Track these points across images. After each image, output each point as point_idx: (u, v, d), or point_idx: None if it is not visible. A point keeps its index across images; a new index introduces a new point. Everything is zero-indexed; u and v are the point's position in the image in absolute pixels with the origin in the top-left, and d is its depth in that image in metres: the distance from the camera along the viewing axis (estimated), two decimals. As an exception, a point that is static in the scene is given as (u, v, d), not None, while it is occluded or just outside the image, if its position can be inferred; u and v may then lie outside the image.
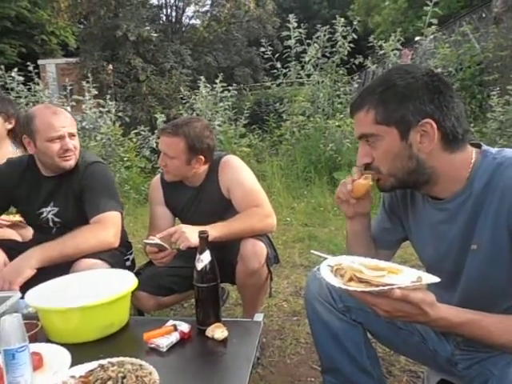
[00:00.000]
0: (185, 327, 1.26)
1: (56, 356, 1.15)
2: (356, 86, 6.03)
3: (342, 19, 5.87)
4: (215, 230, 1.53)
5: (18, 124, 2.26)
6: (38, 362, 1.09)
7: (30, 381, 0.93)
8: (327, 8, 20.88)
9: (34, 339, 1.19)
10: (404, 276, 0.92)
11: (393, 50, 5.67)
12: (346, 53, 5.85)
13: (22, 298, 1.35)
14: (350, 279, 0.91)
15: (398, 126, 1.01)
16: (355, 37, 5.82)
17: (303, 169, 5.42)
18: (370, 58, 6.03)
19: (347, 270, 0.93)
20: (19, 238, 2.17)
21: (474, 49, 5.91)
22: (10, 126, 2.30)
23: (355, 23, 5.86)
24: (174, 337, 1.23)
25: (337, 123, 5.47)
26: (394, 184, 1.09)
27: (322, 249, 3.27)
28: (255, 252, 1.65)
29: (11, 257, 1.59)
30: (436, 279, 0.90)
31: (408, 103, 0.99)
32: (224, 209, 1.79)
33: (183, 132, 1.72)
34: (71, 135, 1.77)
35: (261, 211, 1.72)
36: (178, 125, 1.75)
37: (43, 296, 1.34)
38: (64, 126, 1.74)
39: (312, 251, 1.16)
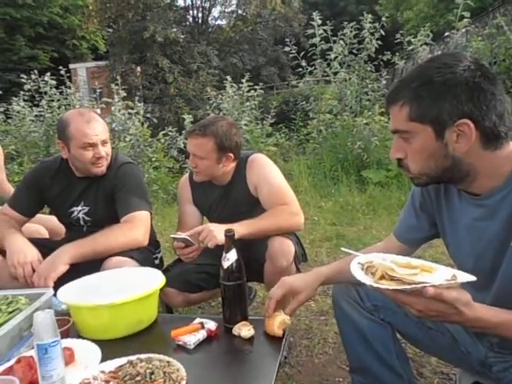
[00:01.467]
0: (212, 325, 1.27)
1: (87, 351, 1.18)
2: (384, 82, 5.89)
3: (370, 15, 5.75)
4: (242, 228, 1.53)
5: None
6: (69, 357, 1.12)
7: (62, 375, 0.95)
8: (354, 4, 20.50)
9: (65, 335, 1.22)
10: (438, 274, 0.89)
11: (422, 45, 5.52)
12: (374, 49, 5.73)
13: (55, 294, 1.39)
14: (382, 277, 0.89)
15: (433, 125, 0.97)
16: (383, 33, 5.70)
17: (330, 167, 5.36)
18: (398, 54, 5.88)
19: (378, 267, 0.91)
20: (45, 233, 2.24)
21: (509, 41, 5.68)
22: None
23: (383, 19, 5.74)
24: (201, 334, 1.24)
25: (365, 121, 5.36)
26: (427, 181, 1.06)
27: (351, 248, 3.21)
28: (283, 250, 1.64)
29: (45, 254, 1.64)
30: (472, 278, 0.87)
31: (444, 101, 0.94)
32: (251, 207, 1.79)
33: (211, 132, 1.73)
34: (104, 142, 1.80)
35: (289, 209, 1.71)
36: (205, 125, 1.76)
37: (74, 293, 1.38)
38: (97, 134, 1.78)
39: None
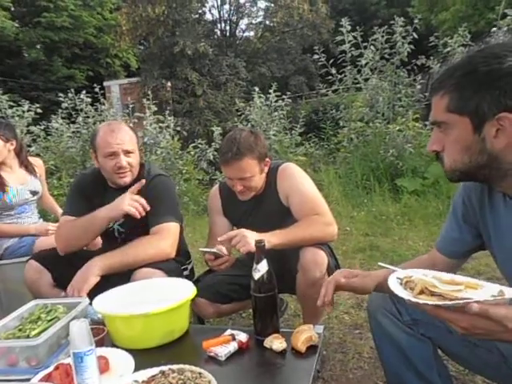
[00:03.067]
0: (243, 337, 1.26)
1: (121, 360, 1.19)
2: (419, 87, 5.73)
3: (402, 18, 5.62)
4: (274, 238, 1.52)
5: (18, 145, 2.52)
6: (104, 366, 1.14)
7: (97, 383, 0.96)
8: (385, 8, 20.14)
9: (100, 344, 1.24)
10: (484, 291, 0.84)
11: (459, 47, 5.32)
12: (406, 54, 5.57)
13: (91, 304, 1.42)
14: (421, 292, 0.85)
15: (472, 117, 0.92)
16: (416, 36, 5.55)
17: (362, 176, 5.26)
18: (432, 57, 5.71)
19: (418, 282, 0.88)
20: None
21: (556, 39, 5.42)
22: (11, 147, 2.49)
23: (416, 21, 5.60)
24: (232, 346, 1.23)
25: (398, 128, 5.24)
26: (460, 177, 1.01)
27: (386, 259, 3.14)
28: (316, 261, 1.61)
29: (83, 264, 1.67)
30: None
31: (486, 93, 0.89)
32: (283, 217, 1.77)
33: (245, 149, 1.70)
34: (127, 152, 1.82)
35: (322, 219, 1.68)
36: (234, 148, 1.70)
37: (109, 302, 1.40)
38: (119, 143, 1.80)
39: (380, 263, 1.10)
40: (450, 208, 1.24)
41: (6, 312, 1.44)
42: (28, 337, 1.26)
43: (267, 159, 1.80)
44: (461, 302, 0.79)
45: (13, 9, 20.52)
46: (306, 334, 1.23)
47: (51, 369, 1.12)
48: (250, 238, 1.50)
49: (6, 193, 2.43)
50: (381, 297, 1.24)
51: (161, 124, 6.23)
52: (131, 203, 1.67)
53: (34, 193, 2.56)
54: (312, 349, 1.22)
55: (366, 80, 5.81)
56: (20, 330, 1.31)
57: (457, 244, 1.21)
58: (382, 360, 1.30)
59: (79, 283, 1.58)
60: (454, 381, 1.51)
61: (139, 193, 1.87)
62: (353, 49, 5.79)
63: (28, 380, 1.12)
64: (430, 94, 1.02)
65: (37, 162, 2.73)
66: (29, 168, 2.62)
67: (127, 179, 1.85)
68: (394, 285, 0.92)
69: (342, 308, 2.41)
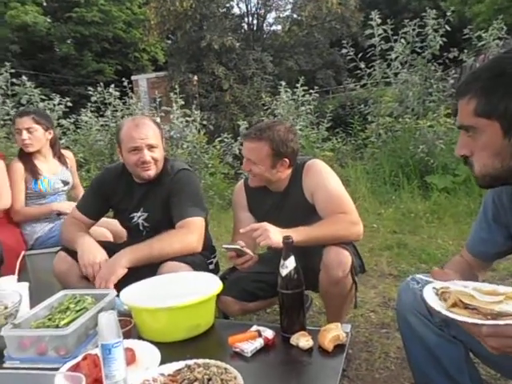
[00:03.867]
0: (269, 333, 1.24)
1: (147, 353, 1.19)
2: (452, 81, 5.54)
3: (434, 11, 5.45)
4: (298, 234, 1.48)
5: (54, 136, 2.61)
6: (131, 358, 1.14)
7: (124, 375, 0.97)
8: (416, 0, 19.61)
9: (127, 336, 1.25)
10: None
11: (494, 40, 5.12)
12: (438, 47, 5.40)
13: (118, 295, 1.44)
14: (454, 304, 0.82)
15: (501, 121, 0.89)
16: (448, 29, 5.37)
17: (390, 173, 5.15)
18: (465, 50, 5.52)
19: (452, 294, 0.84)
20: (110, 236, 2.34)
21: None
22: (49, 136, 2.57)
23: (449, 14, 5.42)
24: (259, 342, 1.21)
25: (429, 123, 5.09)
26: (490, 182, 0.98)
27: (414, 258, 3.08)
28: (339, 261, 1.58)
29: (109, 256, 1.70)
30: None
31: None
32: (308, 215, 1.73)
33: (267, 136, 1.69)
34: (150, 147, 1.82)
35: (348, 218, 1.64)
36: (261, 129, 1.72)
37: (136, 295, 1.41)
38: (143, 138, 1.80)
39: (417, 275, 1.05)
40: (481, 207, 1.20)
41: (35, 301, 1.47)
42: (57, 326, 1.28)
43: (286, 160, 1.74)
44: (491, 322, 0.76)
45: (45, 4, 21.06)
46: (333, 333, 1.20)
47: (79, 359, 1.13)
48: (271, 232, 1.48)
49: (38, 181, 2.49)
50: (411, 296, 1.20)
51: (187, 118, 6.27)
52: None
53: (65, 183, 2.62)
54: (339, 348, 1.20)
55: (396, 74, 5.67)
56: (49, 319, 1.33)
57: (486, 244, 1.18)
58: (410, 361, 1.27)
59: (107, 274, 1.60)
60: (486, 386, 1.46)
61: (163, 187, 1.88)
62: (382, 42, 5.66)
63: (57, 369, 1.13)
64: (456, 98, 1.00)
65: (68, 154, 2.79)
66: (61, 159, 2.69)
67: (151, 172, 1.85)
68: (428, 293, 0.89)
69: (368, 306, 2.37)
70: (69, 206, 2.48)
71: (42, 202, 2.53)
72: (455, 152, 1.02)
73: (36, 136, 2.48)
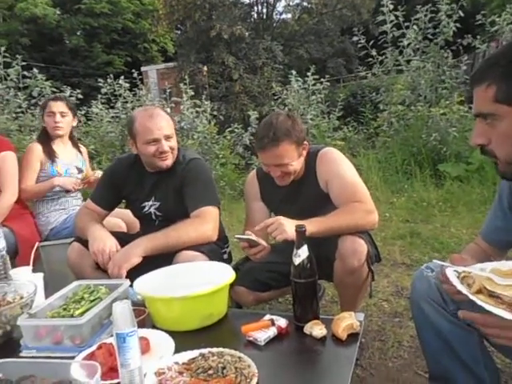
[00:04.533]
0: (282, 322, 1.24)
1: (161, 342, 1.20)
2: (465, 68, 5.43)
3: (446, -4, 5.35)
4: (313, 225, 1.47)
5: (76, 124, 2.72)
6: (145, 347, 1.16)
7: (138, 364, 0.97)
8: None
9: (142, 325, 1.26)
10: None
11: (508, 25, 4.98)
12: (452, 33, 5.29)
13: (131, 285, 1.45)
14: (478, 291, 0.81)
15: None
16: (462, 14, 5.25)
17: (402, 161, 5.10)
18: (479, 36, 5.40)
19: (476, 279, 0.83)
20: (124, 227, 2.36)
21: None
22: (74, 124, 2.70)
23: (462, -2, 5.31)
24: (272, 331, 1.22)
25: (441, 111, 5.01)
26: None
27: (427, 247, 3.05)
28: (355, 250, 1.57)
29: (122, 246, 1.71)
30: None
31: None
32: (322, 204, 1.72)
33: (282, 134, 1.65)
34: (167, 137, 1.83)
35: (362, 207, 1.62)
36: (270, 133, 1.65)
37: (149, 285, 1.42)
38: (159, 128, 1.80)
39: (434, 261, 1.04)
40: (496, 195, 1.19)
41: (50, 292, 1.49)
42: (72, 316, 1.30)
43: (305, 143, 1.74)
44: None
45: (54, -4, 21.07)
46: (346, 322, 1.20)
47: (94, 348, 1.15)
48: (286, 225, 1.47)
49: (54, 163, 2.55)
50: (426, 284, 1.20)
51: (197, 108, 6.26)
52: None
53: (79, 170, 2.66)
54: (353, 336, 1.19)
55: (408, 62, 5.57)
56: (64, 309, 1.35)
57: (501, 233, 1.17)
58: (423, 349, 1.27)
59: (121, 261, 1.61)
60: (501, 373, 1.44)
61: (175, 176, 1.88)
62: (394, 29, 5.56)
63: (72, 358, 1.15)
64: (471, 85, 0.97)
65: (82, 148, 2.83)
66: (78, 147, 2.77)
67: (169, 162, 1.86)
68: (451, 276, 0.87)
69: (380, 295, 2.36)
70: (71, 182, 2.51)
71: (55, 188, 2.55)
72: (471, 141, 1.00)
73: (67, 121, 2.60)
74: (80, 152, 2.76)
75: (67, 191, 2.56)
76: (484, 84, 0.92)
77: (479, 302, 0.79)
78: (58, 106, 2.55)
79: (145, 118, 1.82)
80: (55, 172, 2.55)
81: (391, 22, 5.54)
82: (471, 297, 0.80)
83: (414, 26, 5.43)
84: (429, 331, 1.20)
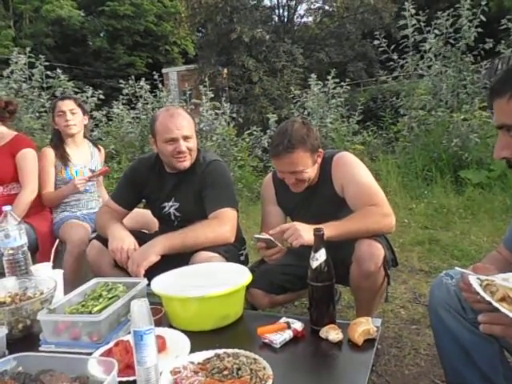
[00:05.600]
0: (298, 325, 1.24)
1: (177, 341, 1.21)
2: (484, 72, 5.33)
3: (468, 1, 5.24)
4: (330, 229, 1.45)
5: (88, 124, 2.72)
6: (162, 345, 1.17)
7: (155, 361, 0.98)
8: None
9: (158, 323, 1.27)
10: None
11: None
12: (473, 38, 5.20)
13: (149, 284, 1.46)
14: (502, 299, 0.80)
15: None
16: (483, 19, 5.15)
17: (423, 167, 5.02)
18: (503, 41, 5.28)
19: (499, 288, 0.82)
20: (150, 215, 2.37)
21: None
22: (86, 122, 2.68)
23: (483, 3, 5.18)
24: (288, 334, 1.21)
25: (462, 116, 4.94)
26: None
27: (446, 254, 3.00)
28: (372, 253, 1.55)
29: (140, 245, 1.72)
30: None
31: None
32: (338, 208, 1.72)
33: (297, 141, 1.65)
34: (186, 138, 1.83)
35: (379, 210, 1.60)
36: (285, 140, 1.66)
37: (166, 284, 1.43)
38: (179, 128, 1.81)
39: (457, 268, 1.02)
40: None
41: (69, 288, 1.52)
42: (90, 313, 1.32)
43: (320, 150, 1.74)
44: None
45: (79, -2, 21.51)
46: (363, 327, 1.19)
47: (111, 345, 1.16)
48: (302, 231, 1.47)
49: (67, 167, 2.54)
50: (445, 291, 1.18)
51: (217, 111, 6.29)
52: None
53: (92, 172, 2.62)
54: (369, 342, 1.18)
55: (429, 66, 5.50)
56: (83, 305, 1.37)
57: None
58: (441, 357, 1.25)
59: (139, 259, 1.62)
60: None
61: (195, 178, 1.90)
62: (415, 33, 5.49)
63: (90, 354, 1.17)
64: (491, 97, 0.95)
65: (101, 149, 2.84)
66: (98, 149, 2.78)
67: (186, 163, 1.87)
68: (475, 284, 0.86)
69: (398, 302, 2.34)
70: (73, 184, 2.43)
71: None
72: (495, 154, 0.97)
73: (78, 118, 2.58)
74: (99, 150, 2.76)
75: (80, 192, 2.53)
76: (506, 95, 0.90)
77: (503, 310, 0.77)
78: (67, 105, 2.54)
79: (166, 118, 1.84)
80: (70, 176, 2.53)
81: (413, 25, 5.48)
82: (495, 304, 0.79)
83: (436, 31, 5.36)
84: (447, 339, 1.18)
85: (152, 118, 1.96)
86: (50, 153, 2.54)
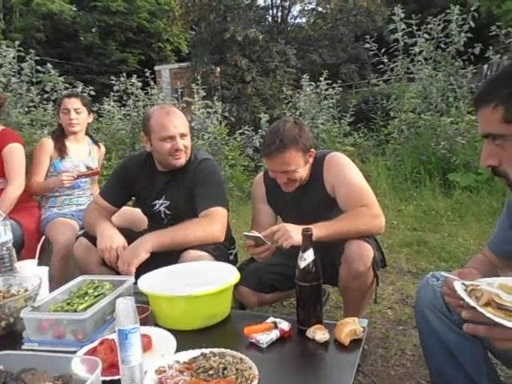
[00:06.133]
0: (285, 325, 1.24)
1: (163, 340, 1.21)
2: (470, 76, 5.39)
3: (457, 7, 5.31)
4: (319, 230, 1.46)
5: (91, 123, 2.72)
6: (147, 344, 1.16)
7: (140, 360, 0.97)
8: (445, -6, 19.01)
9: (144, 322, 1.26)
10: None
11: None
12: (463, 43, 5.27)
13: (136, 283, 1.45)
14: (487, 304, 0.80)
15: None
16: (472, 25, 5.22)
17: (412, 169, 5.07)
18: (491, 47, 5.35)
19: (484, 292, 0.83)
20: (139, 214, 2.35)
21: None
22: (90, 120, 2.69)
23: (472, 9, 5.25)
24: (274, 334, 1.21)
25: (450, 119, 4.99)
26: None
27: (433, 256, 3.03)
28: (361, 254, 1.56)
29: (128, 243, 1.71)
30: None
31: None
32: (328, 208, 1.72)
33: (289, 141, 1.65)
34: (182, 135, 1.83)
35: (369, 211, 1.61)
36: (277, 140, 1.65)
37: (153, 282, 1.42)
38: (176, 126, 1.81)
39: (443, 273, 1.03)
40: (505, 207, 1.18)
41: (54, 286, 1.50)
42: (75, 311, 1.30)
43: (312, 150, 1.75)
44: None
45: (71, -8, 21.27)
46: (350, 327, 1.19)
47: (96, 343, 1.15)
48: (292, 232, 1.46)
49: (63, 160, 2.54)
50: (431, 292, 1.19)
51: (209, 109, 6.28)
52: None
53: (89, 169, 2.63)
54: (355, 342, 1.19)
55: (420, 70, 5.55)
56: (68, 303, 1.35)
57: (508, 244, 1.15)
58: (426, 358, 1.26)
59: (130, 257, 1.61)
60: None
61: (187, 176, 1.89)
62: (405, 37, 5.55)
63: (74, 352, 1.15)
64: (476, 106, 0.96)
65: (102, 147, 2.85)
66: (99, 147, 2.78)
67: (182, 161, 1.86)
68: (459, 289, 0.87)
69: (385, 303, 2.35)
70: (60, 180, 2.41)
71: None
72: (481, 163, 0.98)
73: (82, 117, 2.60)
74: (99, 148, 2.77)
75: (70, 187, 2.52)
76: (490, 105, 0.91)
77: (488, 314, 0.78)
78: (73, 103, 2.55)
79: (161, 115, 1.83)
80: (59, 168, 2.52)
81: (403, 29, 5.53)
82: (480, 309, 0.79)
83: (426, 35, 5.41)
84: (432, 340, 1.19)
85: (145, 115, 1.94)
86: (48, 144, 2.55)
